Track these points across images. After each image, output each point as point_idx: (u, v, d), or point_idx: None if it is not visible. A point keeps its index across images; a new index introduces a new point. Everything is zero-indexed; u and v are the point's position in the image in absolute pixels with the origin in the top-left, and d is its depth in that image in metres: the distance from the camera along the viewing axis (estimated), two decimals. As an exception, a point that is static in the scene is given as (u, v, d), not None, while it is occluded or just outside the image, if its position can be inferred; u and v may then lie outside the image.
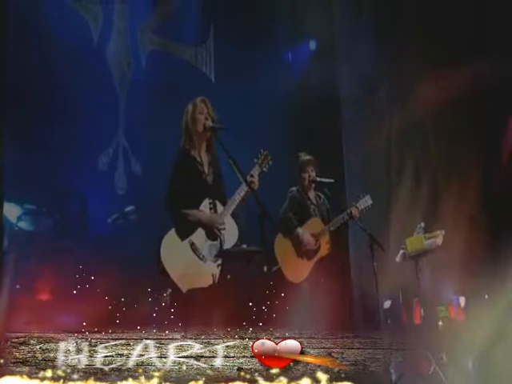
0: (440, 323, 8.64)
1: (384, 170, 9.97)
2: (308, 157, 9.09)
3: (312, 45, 10.70)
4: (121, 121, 10.26)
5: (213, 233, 7.85)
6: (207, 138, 8.03)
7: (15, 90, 9.33)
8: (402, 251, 8.57)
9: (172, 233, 7.81)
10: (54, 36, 9.66)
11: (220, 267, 7.82)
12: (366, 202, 8.96)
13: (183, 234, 7.79)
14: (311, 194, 9.16)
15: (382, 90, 9.95)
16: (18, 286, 8.23)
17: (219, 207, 7.96)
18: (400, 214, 9.44)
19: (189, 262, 7.75)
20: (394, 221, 9.49)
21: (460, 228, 9.00)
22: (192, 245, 7.78)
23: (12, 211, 9.43)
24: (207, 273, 7.77)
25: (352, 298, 9.34)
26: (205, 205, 7.90)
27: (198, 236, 7.83)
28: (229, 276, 7.82)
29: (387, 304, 9.12)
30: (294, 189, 9.13)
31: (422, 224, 8.53)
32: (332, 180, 9.04)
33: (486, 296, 8.47)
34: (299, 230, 8.82)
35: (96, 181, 9.78)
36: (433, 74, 9.32)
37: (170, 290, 7.85)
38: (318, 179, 9.02)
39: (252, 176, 7.83)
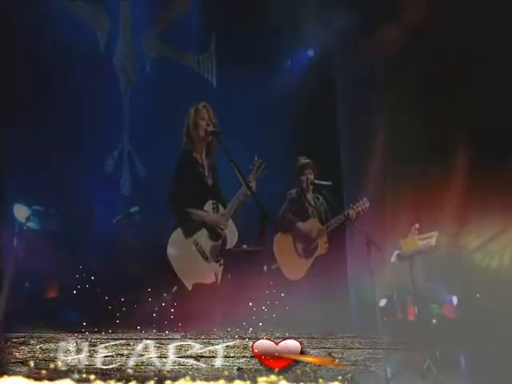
0: (434, 321, 8.41)
1: (381, 173, 9.68)
2: (307, 160, 8.83)
3: (310, 51, 10.41)
4: (126, 124, 9.96)
5: (216, 233, 7.54)
6: (208, 141, 7.72)
7: (23, 96, 9.07)
8: (396, 252, 8.36)
9: (178, 232, 7.50)
10: (63, 44, 9.33)
11: (222, 267, 7.52)
12: (364, 203, 8.67)
13: (188, 234, 7.50)
14: (309, 196, 8.89)
15: (378, 93, 9.65)
16: (26, 284, 7.86)
17: (220, 209, 7.65)
18: (395, 216, 9.20)
19: (194, 261, 7.47)
20: (389, 222, 9.24)
21: (452, 229, 8.81)
22: (197, 245, 7.48)
23: (21, 212, 9.08)
24: (211, 272, 7.48)
25: (349, 297, 8.98)
26: (208, 206, 7.60)
27: (202, 236, 7.53)
28: (229, 275, 7.54)
29: (383, 302, 8.86)
30: (292, 191, 8.89)
31: (417, 225, 8.28)
32: (330, 183, 8.73)
33: (478, 295, 8.23)
34: (299, 224, 8.60)
35: (102, 183, 9.43)
36: (427, 77, 9.04)
37: (175, 287, 7.55)
38: (317, 182, 8.74)
39: (249, 182, 7.50)
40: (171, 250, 7.41)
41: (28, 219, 9.08)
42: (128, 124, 10.01)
